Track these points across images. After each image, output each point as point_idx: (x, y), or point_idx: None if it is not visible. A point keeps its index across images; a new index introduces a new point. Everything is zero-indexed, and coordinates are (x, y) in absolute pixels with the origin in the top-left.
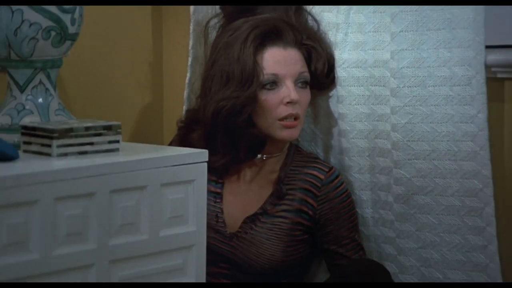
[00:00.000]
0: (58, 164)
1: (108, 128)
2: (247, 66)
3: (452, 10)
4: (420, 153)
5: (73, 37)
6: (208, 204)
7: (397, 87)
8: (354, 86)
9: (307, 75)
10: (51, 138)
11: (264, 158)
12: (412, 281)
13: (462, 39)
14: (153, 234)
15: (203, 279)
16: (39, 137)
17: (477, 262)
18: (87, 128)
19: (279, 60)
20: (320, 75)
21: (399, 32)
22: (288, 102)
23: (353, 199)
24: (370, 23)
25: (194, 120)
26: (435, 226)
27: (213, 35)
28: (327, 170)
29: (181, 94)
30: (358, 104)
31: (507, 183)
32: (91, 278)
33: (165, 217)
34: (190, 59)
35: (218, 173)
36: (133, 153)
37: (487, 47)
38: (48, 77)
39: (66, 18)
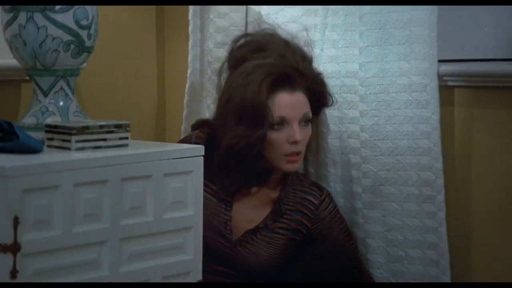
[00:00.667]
0: (76, 156)
1: (119, 126)
2: (259, 110)
3: (411, 28)
4: (385, 150)
5: (89, 50)
6: (219, 211)
7: (365, 94)
8: None
9: (309, 114)
10: (71, 134)
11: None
12: (379, 260)
13: (419, 52)
14: (157, 217)
15: (200, 257)
16: (60, 134)
17: (430, 242)
18: (101, 126)
19: (287, 104)
20: (322, 107)
21: (366, 47)
22: (292, 142)
23: (339, 209)
24: (342, 39)
25: (211, 136)
26: (398, 212)
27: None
28: (319, 195)
29: (181, 100)
30: (333, 109)
31: (456, 175)
32: (105, 252)
33: (168, 202)
34: (189, 71)
35: (230, 193)
36: (140, 148)
37: (440, 60)
38: (68, 84)
39: (83, 33)
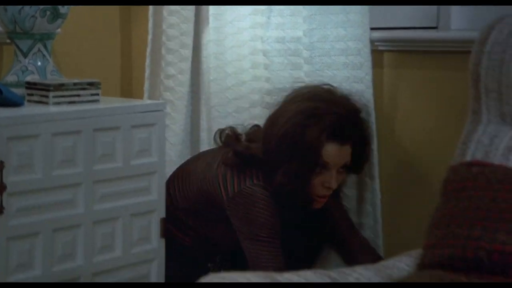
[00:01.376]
0: (53, 109)
1: (91, 84)
2: (316, 155)
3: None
4: None
5: (63, 16)
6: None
7: (309, 56)
8: (276, 56)
9: (349, 162)
10: (48, 90)
11: None
12: None
13: (354, 21)
14: (125, 163)
15: (163, 198)
16: (39, 90)
17: (366, 223)
18: (75, 84)
19: (334, 155)
20: (362, 163)
21: (310, 15)
22: (327, 187)
23: None
24: (288, 8)
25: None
26: None
27: None
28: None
29: (144, 61)
30: (279, 70)
31: (385, 130)
32: (80, 193)
33: (134, 150)
34: (149, 37)
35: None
36: (109, 103)
37: (372, 28)
38: (45, 46)
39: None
